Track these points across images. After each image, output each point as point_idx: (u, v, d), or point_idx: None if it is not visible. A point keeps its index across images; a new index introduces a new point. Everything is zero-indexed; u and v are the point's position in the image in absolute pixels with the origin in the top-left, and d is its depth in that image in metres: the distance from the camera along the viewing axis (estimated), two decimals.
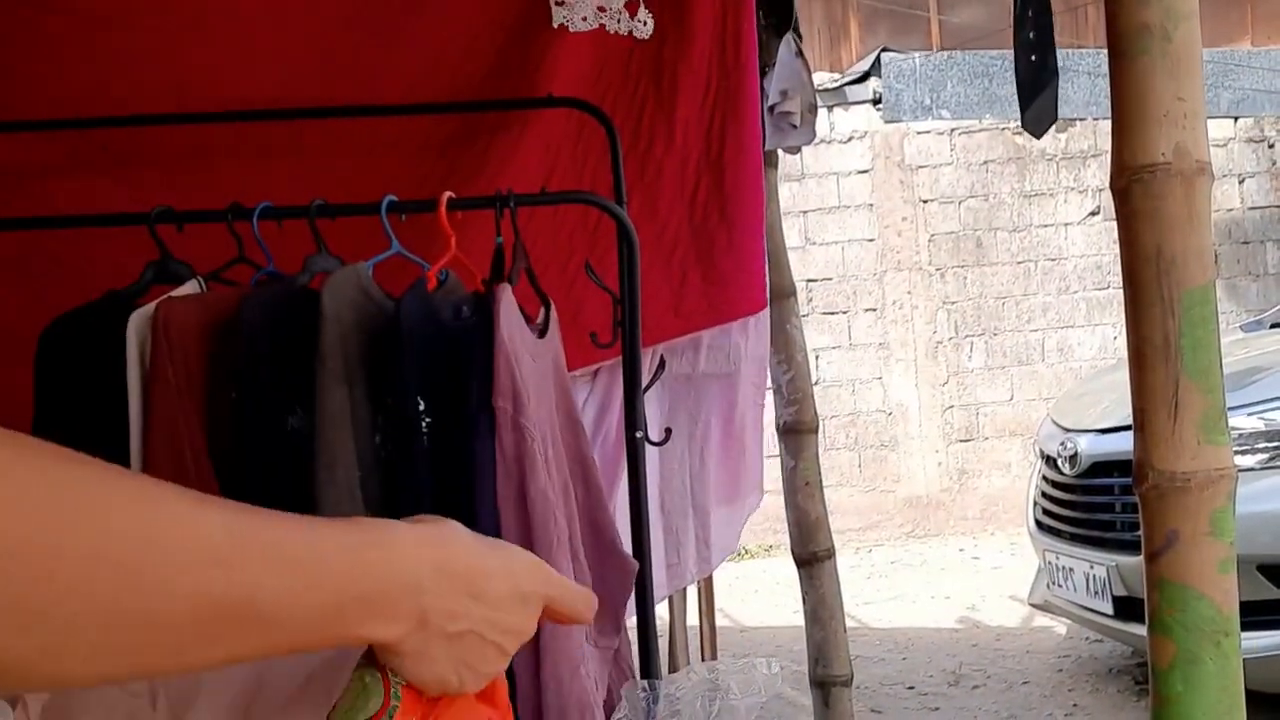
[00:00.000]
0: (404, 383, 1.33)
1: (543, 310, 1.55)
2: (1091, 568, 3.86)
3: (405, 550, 0.58)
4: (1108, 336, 7.29)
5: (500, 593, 0.62)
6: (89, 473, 0.45)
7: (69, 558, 0.42)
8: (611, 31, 2.01)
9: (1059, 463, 4.08)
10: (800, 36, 2.51)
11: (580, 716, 1.32)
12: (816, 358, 6.96)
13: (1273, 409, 3.60)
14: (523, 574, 0.65)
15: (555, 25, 1.99)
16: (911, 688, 4.40)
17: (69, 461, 0.44)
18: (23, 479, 0.42)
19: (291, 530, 0.56)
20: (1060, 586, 4.09)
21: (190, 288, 1.45)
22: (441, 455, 1.36)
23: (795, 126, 2.50)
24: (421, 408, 1.33)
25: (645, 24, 2.01)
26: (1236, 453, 1.26)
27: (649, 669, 1.57)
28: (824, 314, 7.23)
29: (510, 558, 0.65)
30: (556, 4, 1.99)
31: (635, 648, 1.59)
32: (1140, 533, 1.09)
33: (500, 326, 1.33)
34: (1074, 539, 4.03)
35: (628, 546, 1.57)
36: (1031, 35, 1.63)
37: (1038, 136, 1.80)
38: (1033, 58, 1.64)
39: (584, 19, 1.99)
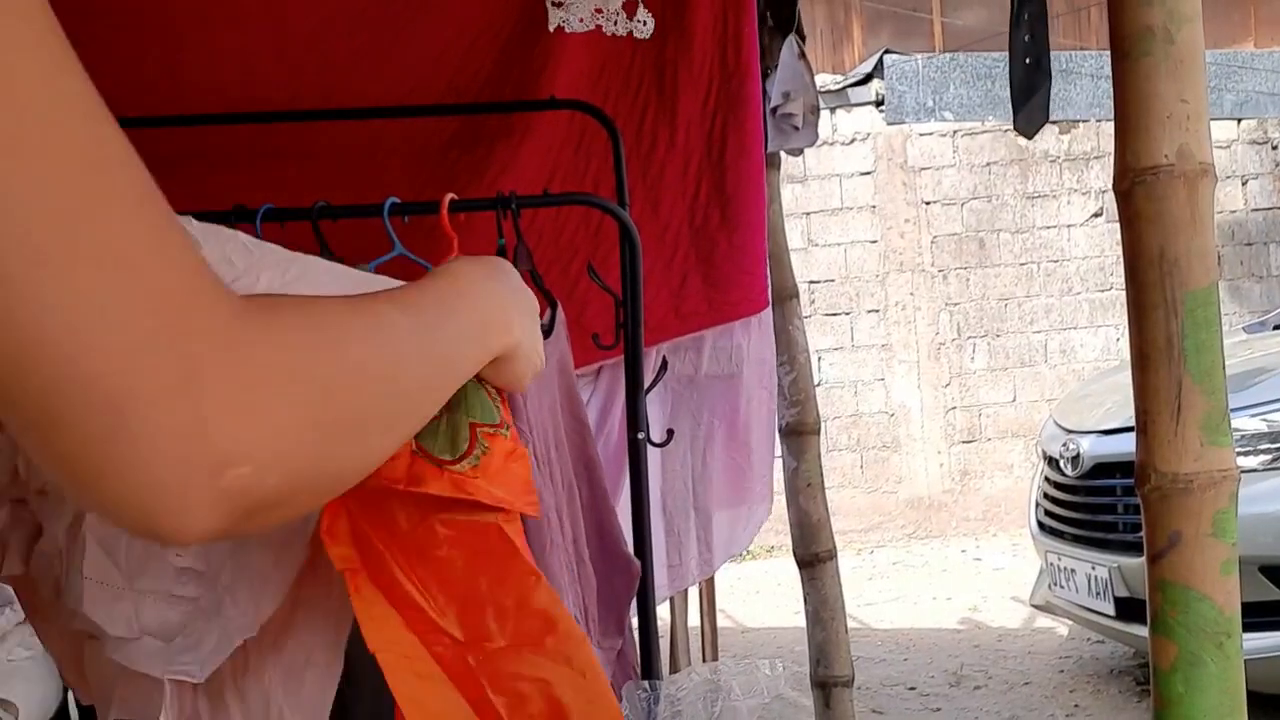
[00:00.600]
0: None
1: (549, 311, 1.55)
2: (1093, 569, 3.86)
3: (495, 284, 0.74)
4: (1110, 338, 7.29)
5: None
6: (374, 310, 0.61)
7: (385, 375, 0.59)
8: (609, 33, 2.01)
9: (1061, 464, 4.08)
10: (803, 38, 2.51)
11: None
12: (819, 359, 6.96)
13: (1275, 410, 3.60)
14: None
15: (552, 27, 1.99)
16: (913, 688, 4.40)
17: (366, 307, 0.60)
18: (356, 325, 0.57)
19: (446, 299, 0.69)
20: (1062, 587, 4.09)
21: None
22: None
23: (797, 128, 2.51)
24: None
25: (645, 24, 2.01)
26: (1239, 454, 1.26)
27: (650, 669, 1.57)
28: (826, 315, 7.23)
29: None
30: (554, 5, 1.99)
31: (637, 648, 1.60)
32: (1142, 534, 1.09)
33: None
34: (1076, 540, 4.03)
35: (629, 548, 1.58)
36: (1027, 39, 1.63)
37: (1029, 137, 1.81)
38: (1027, 60, 1.64)
39: (580, 20, 1.99)
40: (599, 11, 2.00)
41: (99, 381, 0.43)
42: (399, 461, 0.72)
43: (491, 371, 0.75)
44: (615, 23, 2.00)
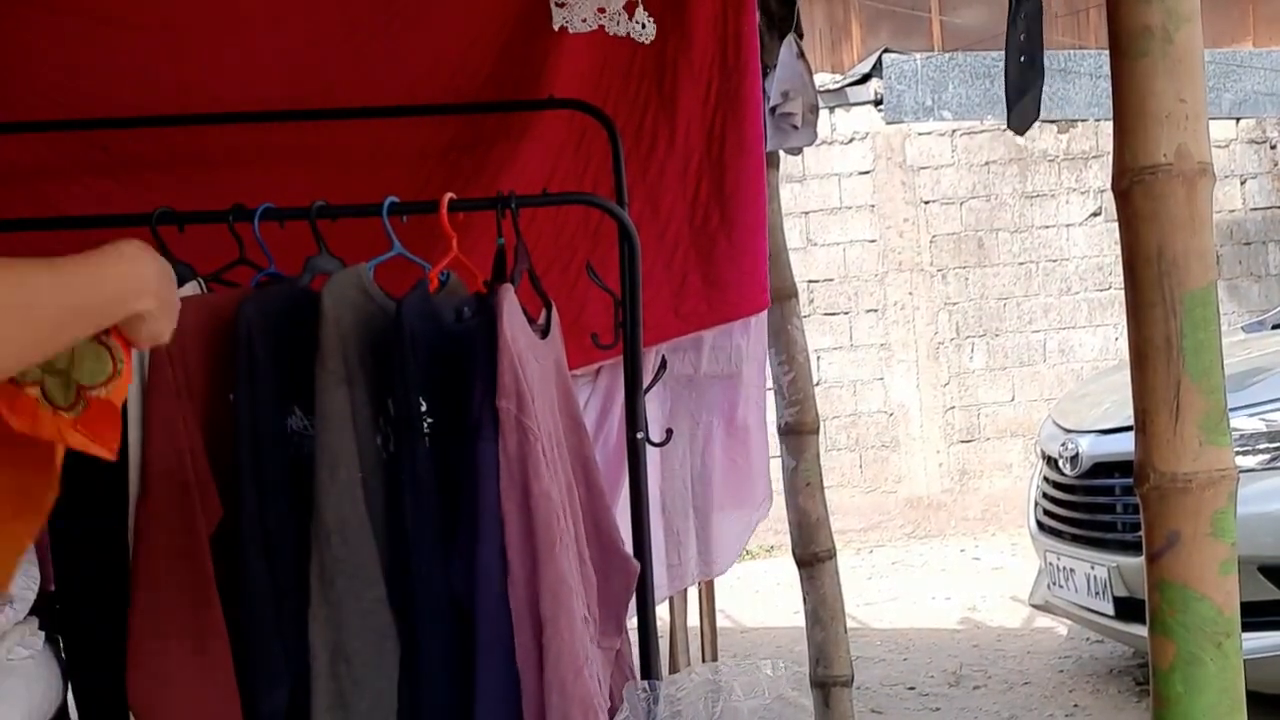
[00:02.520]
0: (405, 383, 1.33)
1: (544, 311, 1.55)
2: (1092, 568, 3.86)
3: (141, 259, 0.97)
4: (1109, 337, 7.29)
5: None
6: (22, 266, 0.82)
7: (19, 309, 0.81)
8: (611, 33, 2.01)
9: (1060, 463, 4.08)
10: (802, 36, 2.51)
11: (584, 717, 1.32)
12: (818, 358, 6.96)
13: (1274, 410, 3.60)
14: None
15: (556, 27, 1.99)
16: (912, 688, 4.40)
17: (16, 263, 0.82)
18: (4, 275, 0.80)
19: (91, 267, 0.92)
20: (1061, 587, 4.09)
21: (191, 289, 1.45)
22: (444, 456, 1.35)
23: (797, 127, 2.51)
24: (424, 408, 1.33)
25: (644, 26, 2.01)
26: (1238, 454, 1.26)
27: (650, 670, 1.57)
28: (825, 315, 7.23)
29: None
30: (557, 5, 1.99)
31: (636, 648, 1.59)
32: (1141, 533, 1.09)
33: (504, 327, 1.33)
34: (1075, 540, 4.02)
35: (629, 548, 1.58)
36: (1022, 37, 1.63)
37: (1020, 134, 1.81)
38: (1022, 57, 1.64)
39: (584, 20, 1.99)
40: (601, 11, 2.00)
41: None
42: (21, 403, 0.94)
43: (129, 327, 0.98)
44: (618, 23, 2.00)
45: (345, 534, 1.29)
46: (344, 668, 1.27)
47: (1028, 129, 1.74)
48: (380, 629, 1.30)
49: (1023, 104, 1.69)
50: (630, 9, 2.01)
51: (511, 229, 1.48)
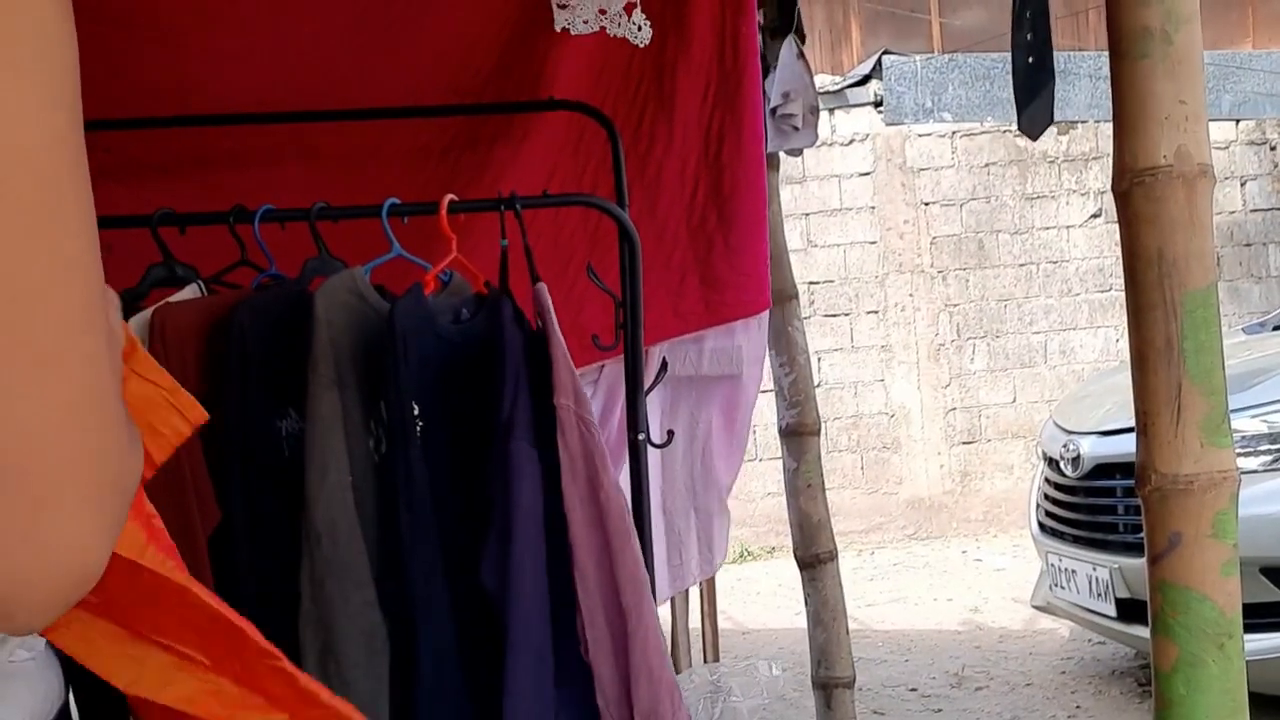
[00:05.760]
0: (398, 386, 1.32)
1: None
2: (1094, 570, 3.86)
3: None
4: (1110, 339, 7.29)
5: None
6: None
7: None
8: (612, 35, 2.01)
9: (1061, 465, 4.08)
10: (803, 38, 2.51)
11: (671, 699, 1.34)
12: (818, 360, 6.96)
13: (1275, 411, 3.60)
14: None
15: (558, 29, 1.99)
16: (914, 689, 4.40)
17: None
18: None
19: None
20: (1063, 588, 4.09)
21: (191, 291, 1.45)
22: (444, 458, 1.35)
23: (797, 129, 2.51)
24: (416, 411, 1.33)
25: (640, 29, 2.01)
26: (1239, 455, 1.26)
27: None
28: (826, 316, 7.23)
29: None
30: (559, 7, 1.99)
31: None
32: (1143, 535, 1.09)
33: (553, 326, 1.34)
34: (1077, 541, 4.02)
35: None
36: (1029, 37, 1.63)
37: (1034, 138, 1.80)
38: (1030, 59, 1.64)
39: (585, 22, 1.99)
40: (603, 13, 2.00)
41: None
42: None
43: None
44: (618, 24, 2.00)
45: (335, 536, 1.29)
46: (333, 668, 1.27)
47: (1040, 133, 1.73)
48: (369, 630, 1.30)
49: (1034, 107, 1.68)
50: (629, 10, 2.02)
51: (512, 229, 1.48)
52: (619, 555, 1.31)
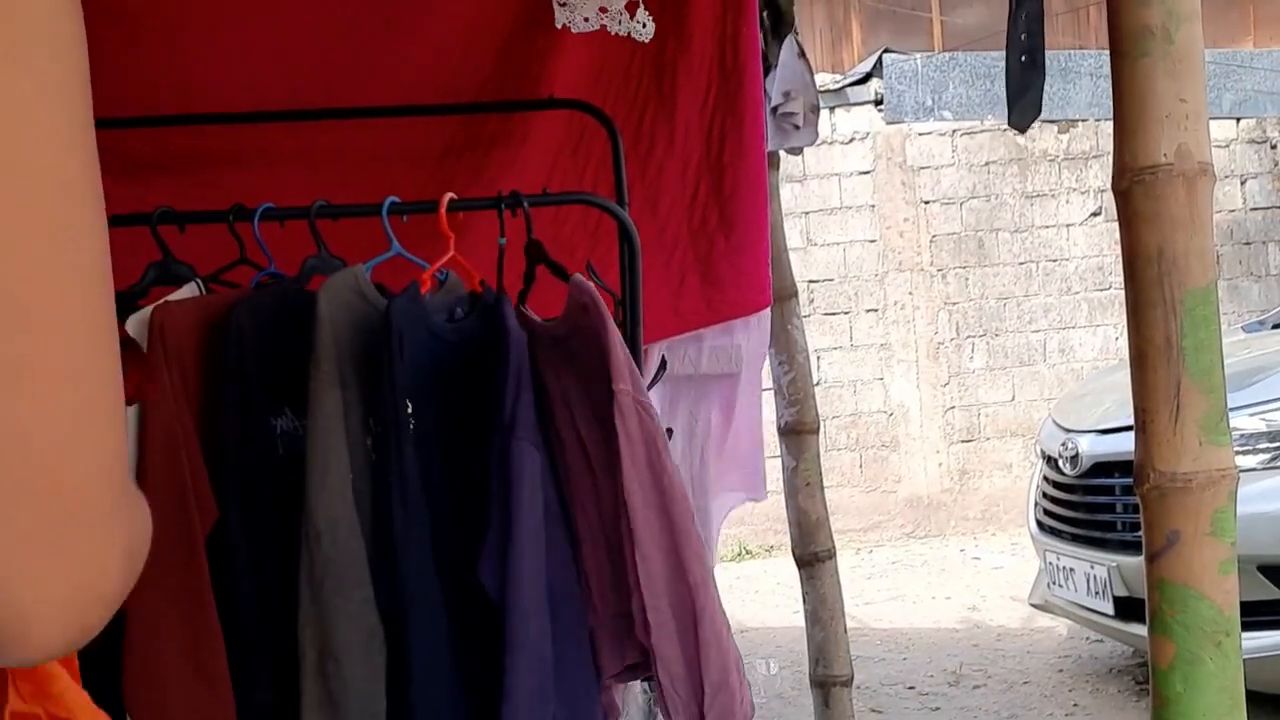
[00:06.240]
0: (393, 385, 1.32)
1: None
2: (1092, 568, 3.86)
3: None
4: (1109, 337, 7.29)
5: None
6: None
7: None
8: (613, 33, 2.01)
9: (1060, 463, 4.08)
10: (795, 32, 2.51)
11: (738, 671, 1.37)
12: (818, 358, 6.96)
13: (1274, 409, 3.60)
14: None
15: (558, 26, 1.99)
16: (912, 688, 4.40)
17: None
18: None
19: None
20: (1061, 587, 4.09)
21: (190, 289, 1.45)
22: (442, 457, 1.35)
23: (797, 127, 2.51)
24: (410, 409, 1.33)
25: (644, 25, 2.01)
26: (1238, 453, 1.26)
27: (650, 671, 1.57)
28: (825, 315, 7.23)
29: None
30: (559, 5, 1.98)
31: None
32: (1141, 533, 1.09)
33: (607, 316, 1.35)
34: (1075, 539, 4.03)
35: None
36: (1023, 36, 1.63)
37: (1022, 132, 1.81)
38: (1023, 56, 1.64)
39: (585, 20, 1.99)
40: (603, 11, 2.00)
41: None
42: None
43: None
44: (619, 22, 2.00)
45: (335, 534, 1.29)
46: (332, 666, 1.27)
47: (1029, 127, 1.74)
48: (368, 629, 1.30)
49: (1023, 102, 1.69)
50: (631, 9, 2.01)
51: (510, 229, 1.49)
52: (683, 535, 1.33)
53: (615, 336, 1.35)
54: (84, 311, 0.44)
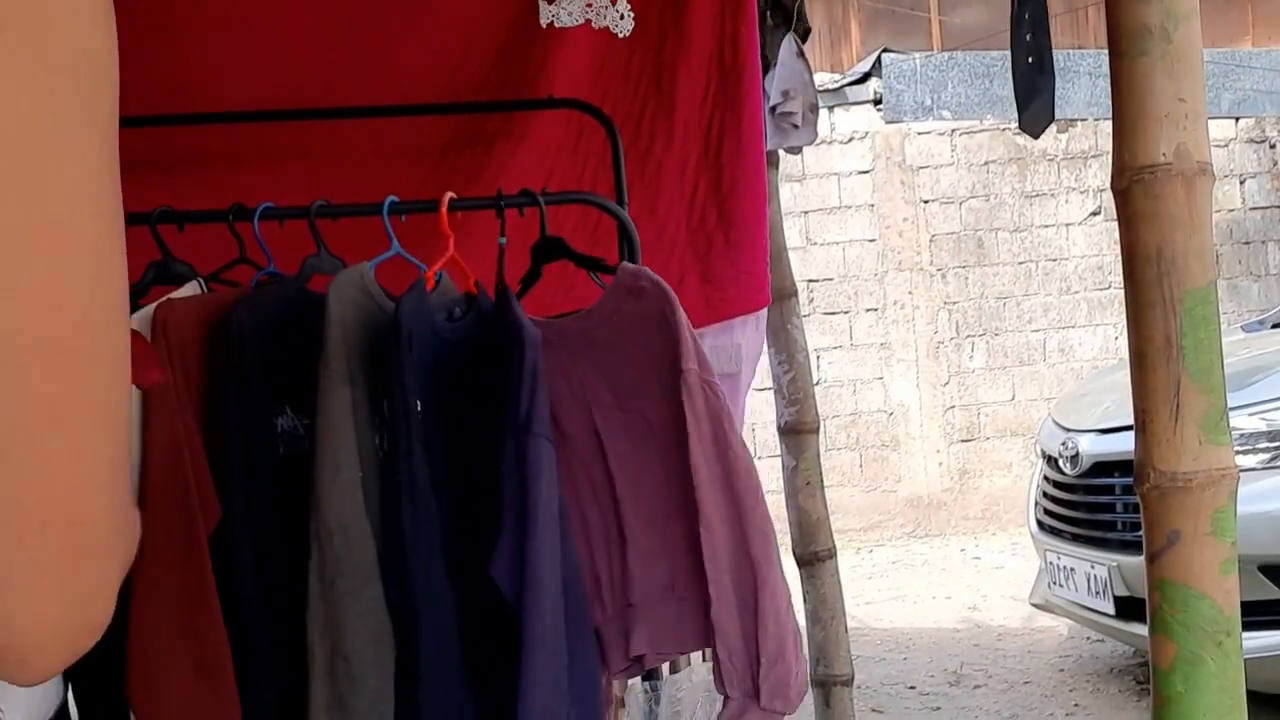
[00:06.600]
0: (403, 382, 1.32)
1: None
2: (1093, 567, 3.86)
3: None
4: (1109, 337, 7.29)
5: None
6: None
7: None
8: (597, 26, 2.01)
9: (1060, 463, 4.08)
10: (805, 35, 2.51)
11: (795, 643, 1.40)
12: (817, 358, 6.96)
13: (1274, 409, 3.60)
14: None
15: (544, 23, 1.99)
16: (912, 687, 4.40)
17: None
18: None
19: None
20: (1061, 586, 4.09)
21: (191, 288, 1.45)
22: (451, 454, 1.35)
23: (796, 127, 2.51)
24: (419, 407, 1.33)
25: (622, 18, 2.00)
26: (1238, 453, 1.26)
27: (652, 670, 1.57)
28: (825, 314, 7.23)
29: None
30: (545, 2, 1.98)
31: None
32: (1141, 533, 1.09)
33: (674, 296, 1.39)
34: (1075, 539, 4.03)
35: None
36: (1029, 36, 1.63)
37: (1035, 137, 1.80)
38: (1029, 59, 1.64)
39: (570, 14, 1.99)
40: (589, 6, 2.00)
41: None
42: None
43: None
44: (603, 16, 2.00)
45: (347, 534, 1.29)
46: (342, 666, 1.27)
47: (1042, 132, 1.74)
48: (378, 628, 1.29)
49: (1034, 107, 1.69)
50: (613, 0, 2.01)
51: (509, 228, 1.49)
52: (749, 511, 1.37)
53: (683, 317, 1.40)
54: (111, 346, 0.44)
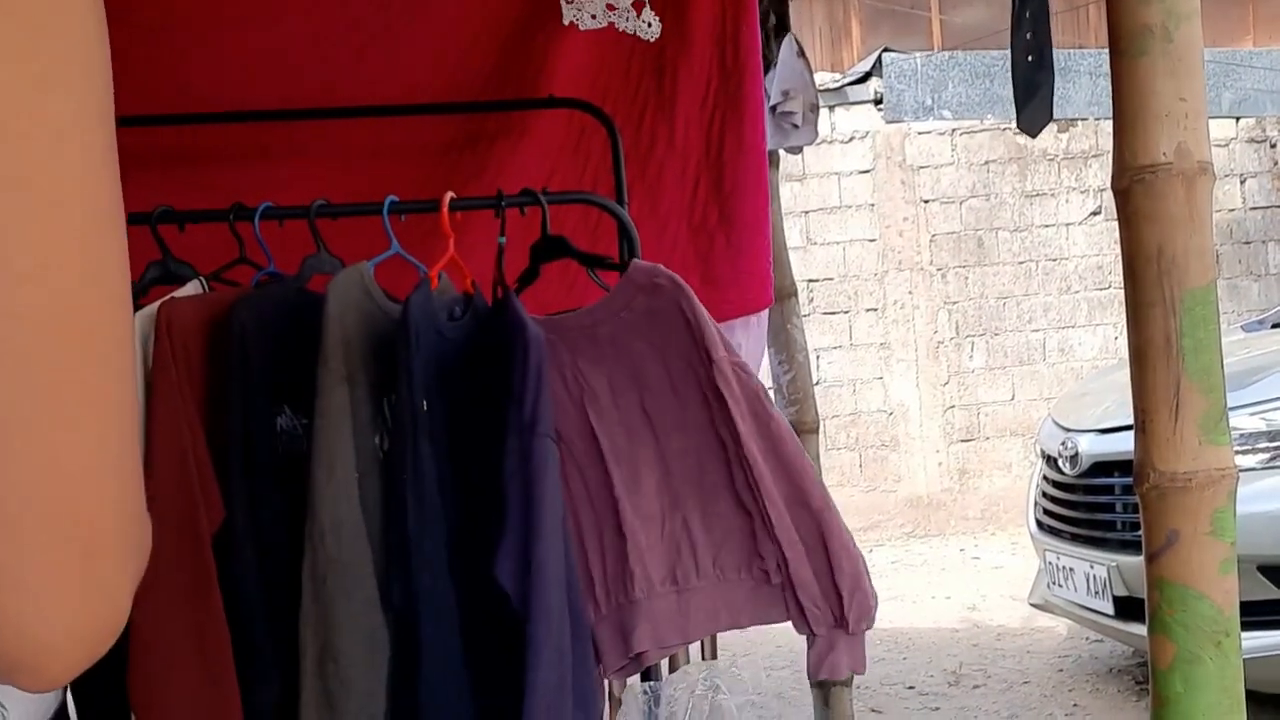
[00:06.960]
0: (410, 382, 1.32)
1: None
2: (1092, 568, 3.86)
3: None
4: (1109, 336, 7.29)
5: None
6: None
7: None
8: (621, 30, 2.01)
9: (1060, 462, 4.08)
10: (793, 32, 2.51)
11: (865, 568, 1.51)
12: (817, 358, 6.96)
13: (1274, 409, 3.60)
14: None
15: (566, 23, 1.98)
16: (912, 687, 4.40)
17: None
18: None
19: None
20: (1061, 586, 4.10)
21: (193, 288, 1.45)
22: (456, 454, 1.35)
23: (797, 126, 2.51)
24: (425, 406, 1.33)
25: (650, 25, 2.01)
26: (1237, 453, 1.26)
27: (649, 670, 1.57)
28: (825, 314, 7.23)
29: None
30: (567, 2, 1.98)
31: None
32: (1141, 533, 1.10)
33: (687, 288, 1.46)
34: (1075, 539, 4.03)
35: None
36: (1028, 37, 1.63)
37: (1033, 136, 1.80)
38: (1029, 58, 1.64)
39: (593, 17, 1.99)
40: (611, 9, 2.00)
41: None
42: None
43: None
44: (627, 20, 2.00)
45: (340, 533, 1.29)
46: (332, 667, 1.27)
47: (1039, 131, 1.74)
48: (369, 629, 1.29)
49: (1033, 105, 1.68)
50: (638, 7, 2.01)
51: (509, 228, 1.49)
52: (800, 472, 1.47)
53: (702, 310, 1.45)
54: (114, 336, 0.44)
